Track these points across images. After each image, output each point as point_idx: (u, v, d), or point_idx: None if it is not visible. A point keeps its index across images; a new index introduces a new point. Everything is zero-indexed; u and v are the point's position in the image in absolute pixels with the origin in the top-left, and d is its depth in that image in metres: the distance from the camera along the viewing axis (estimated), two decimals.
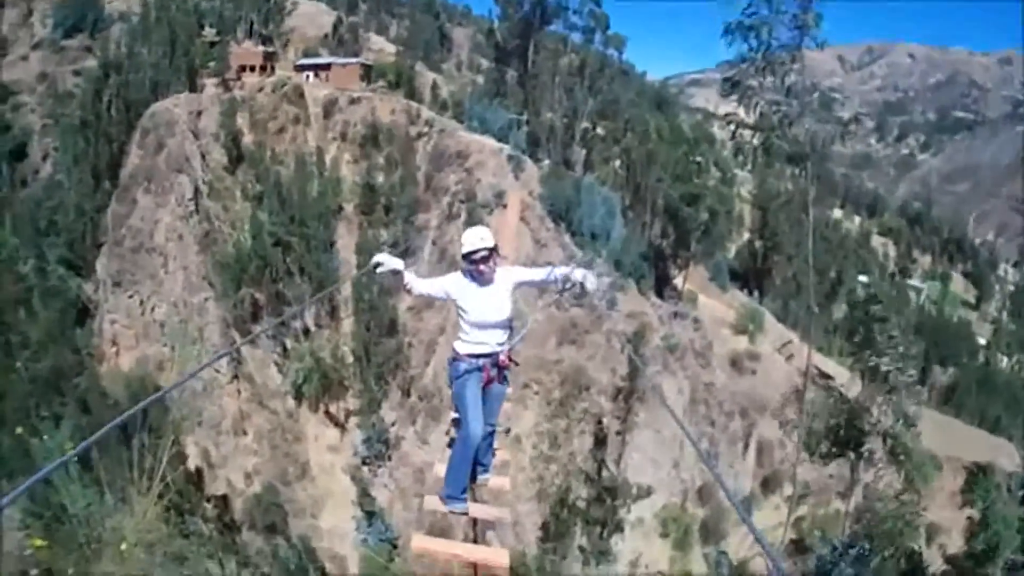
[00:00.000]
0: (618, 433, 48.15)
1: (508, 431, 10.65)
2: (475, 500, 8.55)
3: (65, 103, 78.70)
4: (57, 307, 54.89)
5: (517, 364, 8.36)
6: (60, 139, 72.66)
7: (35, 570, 7.41)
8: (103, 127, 65.18)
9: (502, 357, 8.03)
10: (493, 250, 7.90)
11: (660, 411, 49.42)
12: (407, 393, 54.03)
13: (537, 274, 8.25)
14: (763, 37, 38.78)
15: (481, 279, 7.93)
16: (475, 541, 8.90)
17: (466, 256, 7.85)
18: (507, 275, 8.10)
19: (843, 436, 52.46)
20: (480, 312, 7.91)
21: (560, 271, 7.99)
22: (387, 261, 8.22)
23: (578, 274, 7.85)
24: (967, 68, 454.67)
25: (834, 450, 51.85)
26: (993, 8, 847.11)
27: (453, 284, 8.08)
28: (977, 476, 54.15)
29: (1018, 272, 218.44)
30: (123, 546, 7.87)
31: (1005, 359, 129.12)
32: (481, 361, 8.00)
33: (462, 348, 8.06)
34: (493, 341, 8.01)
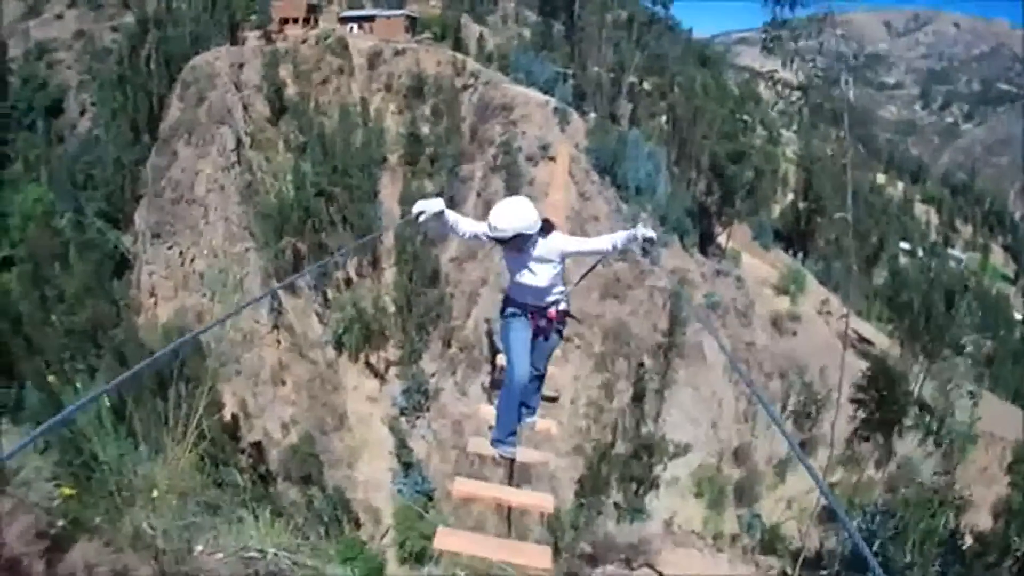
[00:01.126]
0: (657, 390, 47.99)
1: (555, 398, 10.55)
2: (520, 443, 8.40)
3: (102, 59, 79.04)
4: (94, 259, 55.05)
5: (575, 319, 8.16)
6: (97, 94, 73.07)
7: (63, 520, 7.31)
8: (142, 81, 65.50)
9: (551, 311, 7.79)
10: (523, 236, 7.25)
11: (700, 369, 49.34)
12: (448, 344, 54.06)
13: (592, 244, 7.75)
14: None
15: (516, 251, 7.50)
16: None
17: (515, 237, 7.22)
18: (555, 244, 7.53)
19: (881, 404, 52.33)
20: (517, 274, 7.65)
21: (621, 238, 7.48)
22: (428, 206, 7.46)
23: (641, 233, 7.32)
24: (1010, 41, 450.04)
25: (874, 416, 51.74)
26: None
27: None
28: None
29: None
30: (154, 493, 7.77)
31: None
32: (528, 309, 7.80)
33: (510, 293, 7.90)
34: (538, 301, 7.77)
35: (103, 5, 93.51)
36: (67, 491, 7.46)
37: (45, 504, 7.31)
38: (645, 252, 7.48)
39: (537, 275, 7.56)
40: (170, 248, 57.50)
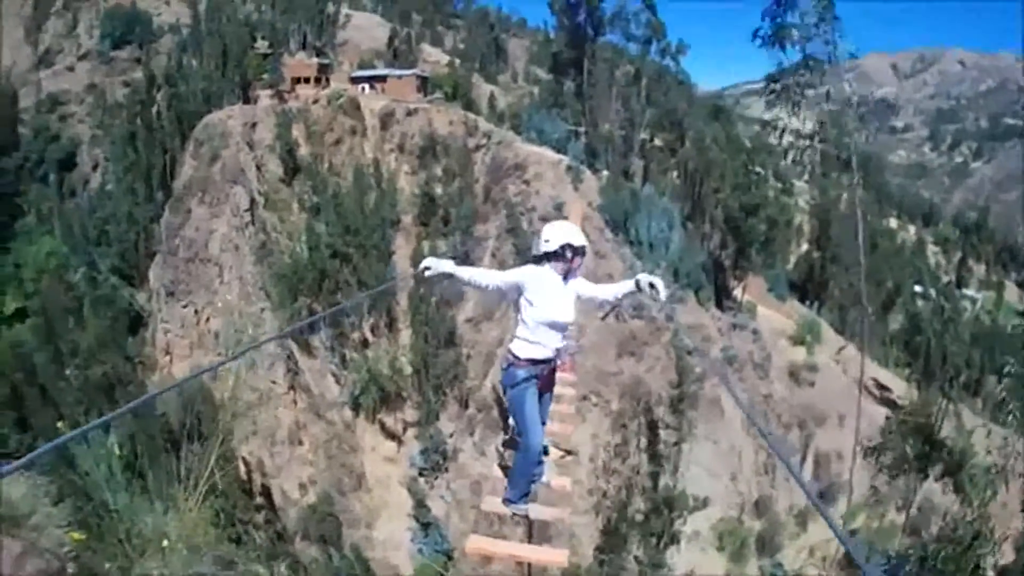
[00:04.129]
0: (676, 444, 47.98)
1: (572, 453, 10.55)
2: (534, 501, 8.41)
3: (114, 114, 79.54)
4: (108, 315, 55.61)
5: (573, 361, 8.27)
6: (110, 150, 73.65)
7: (73, 566, 7.37)
8: (154, 138, 65.93)
9: (558, 362, 7.89)
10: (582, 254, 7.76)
11: (719, 423, 49.37)
12: (465, 405, 54.08)
13: (602, 291, 8.07)
14: (792, 45, 38.47)
15: (566, 278, 7.76)
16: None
17: (563, 249, 7.63)
18: (576, 282, 7.90)
19: (905, 449, 52.19)
20: (552, 309, 7.66)
21: (624, 289, 7.88)
22: (435, 264, 7.82)
23: (644, 280, 7.67)
24: (1015, 75, 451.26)
25: (896, 463, 51.60)
26: None
27: (531, 275, 7.75)
28: None
29: None
30: (164, 544, 7.82)
31: None
32: (539, 367, 7.76)
33: (522, 352, 7.78)
34: (553, 344, 7.77)
35: (114, 59, 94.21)
36: (76, 537, 7.53)
37: (55, 550, 7.37)
38: (654, 297, 7.68)
39: (567, 308, 7.74)
40: (185, 306, 57.83)
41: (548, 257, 7.70)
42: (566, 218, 53.31)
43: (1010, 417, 58.65)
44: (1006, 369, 63.03)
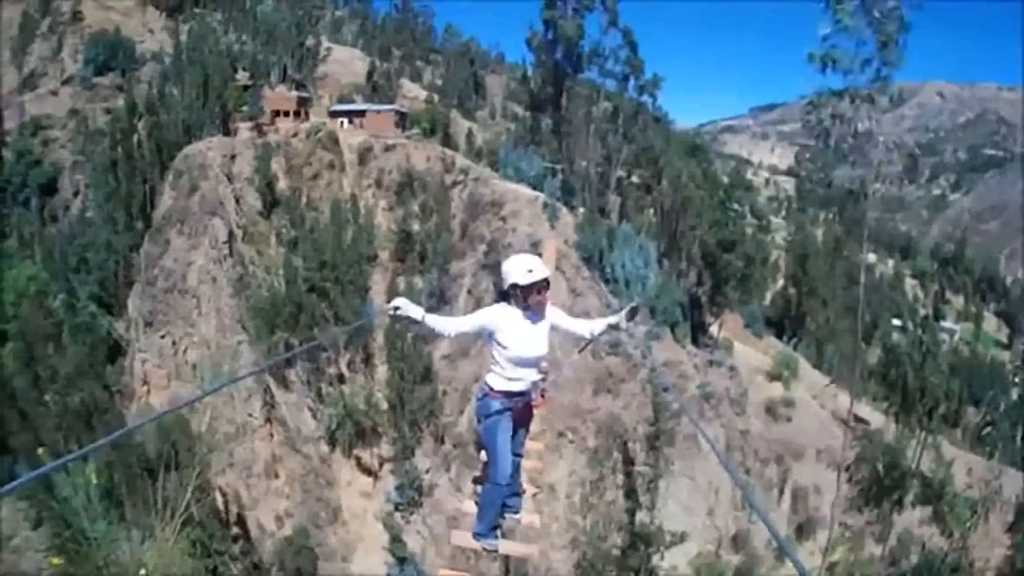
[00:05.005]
0: (652, 480, 48.05)
1: (535, 495, 10.62)
2: (504, 537, 8.50)
3: (96, 140, 79.56)
4: (87, 343, 55.63)
5: (544, 399, 8.30)
6: (91, 176, 73.75)
7: None
8: (134, 167, 66.03)
9: (534, 396, 8.00)
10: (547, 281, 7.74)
11: (695, 459, 49.42)
12: (441, 440, 54.13)
13: (577, 326, 8.11)
14: (847, 68, 38.52)
15: (532, 312, 7.76)
16: None
17: (526, 287, 7.64)
18: (551, 313, 7.93)
19: (882, 480, 52.49)
20: (523, 346, 7.69)
21: (598, 327, 7.95)
22: (405, 307, 7.96)
23: (614, 319, 7.93)
24: (995, 104, 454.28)
25: (873, 492, 51.93)
26: (1020, 39, 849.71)
27: (495, 316, 7.83)
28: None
29: None
30: (142, 572, 8.00)
31: None
32: (514, 400, 7.82)
33: (497, 384, 7.89)
34: (529, 379, 7.84)
35: (96, 85, 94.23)
36: (55, 562, 7.70)
37: (34, 574, 7.56)
38: (622, 328, 7.99)
39: (540, 343, 7.76)
40: (163, 337, 57.74)
41: (504, 295, 7.80)
42: (538, 253, 53.55)
43: (993, 449, 59.18)
44: (989, 395, 63.54)
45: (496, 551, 8.31)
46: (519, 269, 7.67)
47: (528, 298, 7.68)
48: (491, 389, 7.94)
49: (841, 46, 37.87)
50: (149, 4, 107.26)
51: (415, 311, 7.93)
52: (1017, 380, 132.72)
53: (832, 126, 40.35)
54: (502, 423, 7.82)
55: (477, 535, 8.20)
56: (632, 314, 8.07)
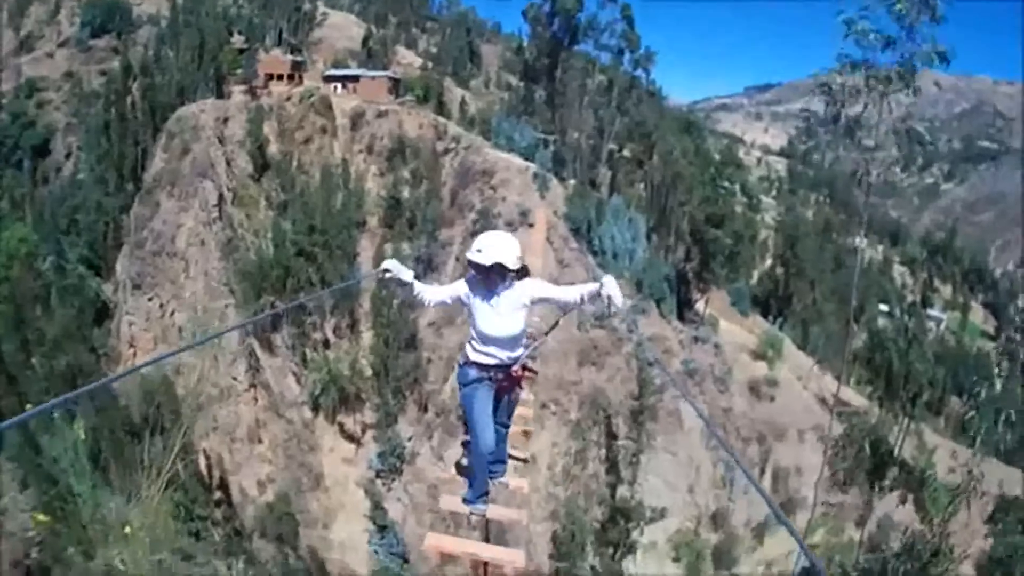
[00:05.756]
0: (634, 455, 48.04)
1: (527, 461, 10.53)
2: (493, 502, 8.41)
3: (90, 103, 79.39)
4: (75, 305, 55.45)
5: (535, 372, 8.12)
6: (84, 139, 73.53)
7: (37, 550, 7.39)
8: (127, 129, 65.72)
9: (514, 368, 7.66)
10: (510, 270, 7.32)
11: (677, 435, 49.44)
12: (424, 408, 54.10)
13: (561, 293, 7.66)
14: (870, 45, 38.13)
15: (496, 290, 7.47)
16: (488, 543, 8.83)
17: (474, 264, 7.36)
18: (526, 289, 7.53)
19: (866, 463, 52.60)
20: (485, 324, 7.50)
21: (587, 290, 7.40)
22: (396, 269, 7.56)
23: (606, 289, 7.20)
24: (992, 97, 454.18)
25: (856, 474, 52.09)
26: (1020, 35, 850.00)
27: (465, 289, 7.61)
28: (1011, 507, 54.16)
29: None
30: (127, 531, 7.82)
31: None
32: (491, 371, 7.64)
33: (471, 355, 7.70)
34: (502, 354, 7.60)
35: (92, 48, 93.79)
36: (41, 518, 7.53)
37: (21, 535, 7.38)
38: (610, 312, 7.75)
39: (506, 322, 7.51)
40: (150, 300, 57.57)
41: (472, 265, 7.48)
42: (529, 223, 53.47)
43: (976, 439, 59.29)
44: (975, 390, 63.70)
45: (484, 516, 8.16)
46: (475, 244, 7.39)
47: (482, 274, 7.44)
48: (467, 359, 7.77)
49: (872, 22, 37.53)
50: None
51: (406, 274, 7.65)
52: (1000, 371, 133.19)
53: (843, 100, 40.11)
54: (479, 392, 7.67)
55: (466, 501, 8.08)
56: (610, 312, 7.88)
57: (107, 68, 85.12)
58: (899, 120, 40.51)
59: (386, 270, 7.52)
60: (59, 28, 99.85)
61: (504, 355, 7.58)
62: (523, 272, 7.51)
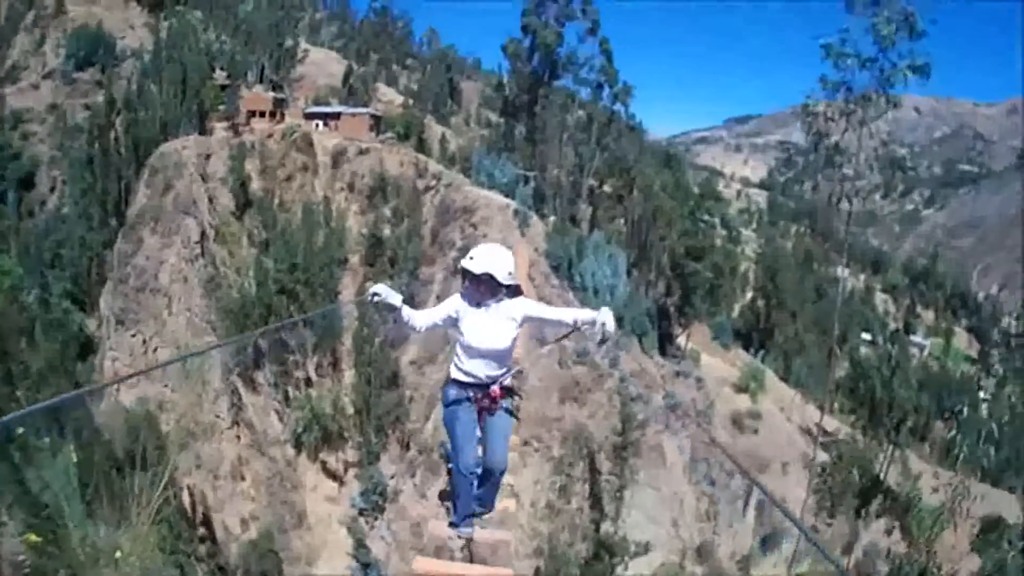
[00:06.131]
0: (618, 490, 48.12)
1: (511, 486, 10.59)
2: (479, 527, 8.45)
3: (74, 136, 79.36)
4: (59, 339, 55.31)
5: (520, 397, 8.10)
6: (68, 172, 73.64)
7: (25, 573, 7.47)
8: (111, 163, 65.99)
9: (494, 388, 7.73)
10: (503, 286, 7.52)
11: (660, 470, 49.49)
12: (406, 447, 54.06)
13: (554, 313, 7.89)
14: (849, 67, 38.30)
15: (487, 303, 7.61)
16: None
17: (465, 271, 7.61)
18: (518, 306, 7.72)
19: (851, 490, 52.81)
20: (475, 335, 7.64)
21: (582, 315, 7.57)
22: (385, 293, 7.73)
23: (602, 317, 7.38)
24: (972, 120, 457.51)
25: (842, 502, 52.28)
26: (999, 57, 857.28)
27: (456, 303, 7.80)
28: (996, 527, 54.40)
29: (1021, 324, 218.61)
30: (117, 554, 7.92)
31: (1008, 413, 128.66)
32: (470, 391, 7.76)
33: (453, 373, 7.90)
34: (484, 372, 7.73)
35: (77, 80, 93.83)
36: (32, 538, 7.59)
37: (11, 559, 7.45)
38: (602, 341, 7.56)
39: (495, 336, 7.61)
40: (133, 336, 57.49)
41: (463, 273, 7.70)
42: (510, 245, 53.57)
43: (959, 459, 59.58)
44: (957, 409, 64.01)
45: (471, 539, 8.24)
46: (471, 253, 7.62)
47: (473, 286, 7.63)
48: (450, 378, 7.95)
49: (849, 46, 37.84)
50: (131, 0, 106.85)
51: (395, 297, 7.78)
52: (983, 390, 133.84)
53: (824, 126, 40.37)
54: (460, 412, 7.78)
55: (452, 524, 8.21)
56: (602, 340, 7.89)
57: (91, 102, 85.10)
58: (879, 146, 40.63)
59: (375, 294, 7.65)
60: (44, 59, 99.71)
61: (486, 372, 7.69)
62: (515, 291, 7.67)
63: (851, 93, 38.32)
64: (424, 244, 63.07)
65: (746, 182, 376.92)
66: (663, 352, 62.64)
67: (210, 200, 63.35)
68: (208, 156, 65.94)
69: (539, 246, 58.28)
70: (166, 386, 54.11)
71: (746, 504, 55.66)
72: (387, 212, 66.51)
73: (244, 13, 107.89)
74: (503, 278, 7.44)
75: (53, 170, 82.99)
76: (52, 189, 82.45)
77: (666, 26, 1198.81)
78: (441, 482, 43.14)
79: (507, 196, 64.03)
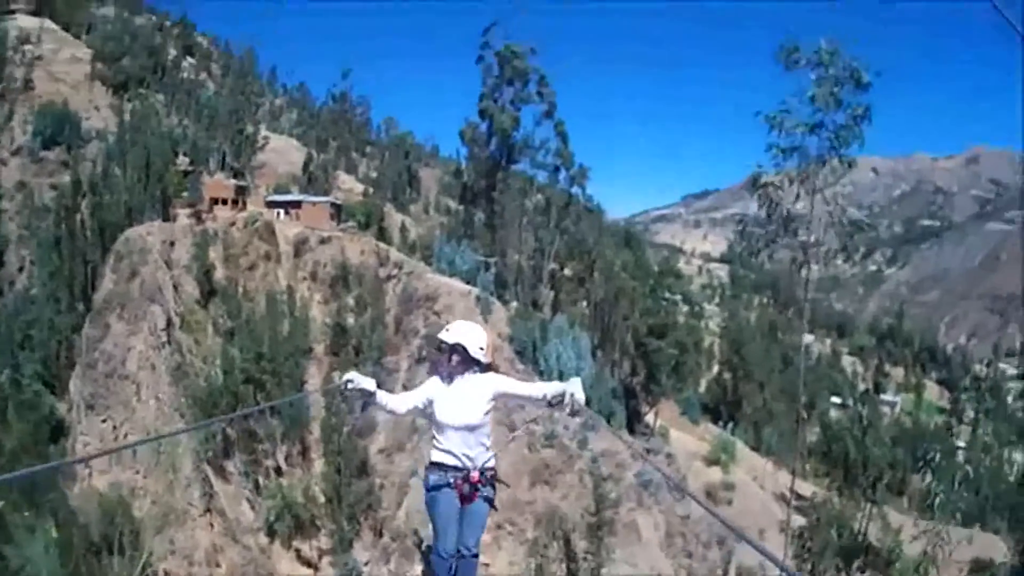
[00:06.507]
0: (594, 570, 48.03)
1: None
2: None
3: (42, 216, 79.27)
4: (31, 421, 55.63)
5: (504, 484, 8.04)
6: (36, 253, 73.57)
7: None
8: (77, 247, 66.09)
9: (473, 473, 7.57)
10: (474, 360, 7.49)
11: (636, 547, 49.44)
12: (379, 533, 54.00)
13: (526, 389, 7.78)
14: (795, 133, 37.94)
15: (450, 376, 7.58)
16: None
17: (442, 342, 7.53)
18: (490, 381, 7.64)
19: (827, 551, 52.86)
20: (447, 411, 7.54)
21: (551, 389, 7.45)
22: (358, 379, 7.56)
23: (571, 388, 7.22)
24: (931, 175, 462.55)
25: (823, 562, 52.31)
26: (957, 109, 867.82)
27: (433, 384, 7.68)
28: (986, 569, 54.62)
29: (991, 371, 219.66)
30: None
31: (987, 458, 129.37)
32: (450, 476, 7.61)
33: (433, 456, 7.74)
34: (460, 450, 7.60)
35: (44, 159, 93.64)
36: None
37: None
38: (573, 412, 7.40)
39: (467, 410, 7.52)
40: (104, 421, 57.45)
41: (438, 347, 7.68)
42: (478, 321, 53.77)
43: (936, 506, 59.69)
44: (930, 455, 64.14)
45: None
46: (447, 326, 7.68)
47: (446, 357, 7.58)
48: (430, 462, 7.78)
49: (795, 112, 37.53)
50: (96, 79, 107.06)
51: (368, 383, 7.62)
52: (956, 435, 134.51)
53: (777, 196, 40.14)
54: (441, 496, 7.61)
55: None
56: (573, 412, 7.89)
57: (57, 181, 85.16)
58: (834, 209, 40.55)
59: (348, 380, 7.53)
60: (12, 135, 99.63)
61: (463, 451, 7.59)
62: (487, 368, 7.63)
63: (804, 158, 38.06)
64: (388, 332, 63.42)
65: (707, 257, 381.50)
66: (631, 431, 62.84)
67: (175, 287, 63.42)
68: (172, 243, 66.06)
69: (502, 331, 58.55)
70: (138, 472, 54.07)
71: (725, 574, 55.66)
72: (350, 301, 66.86)
73: (205, 98, 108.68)
74: (474, 351, 7.49)
75: (22, 249, 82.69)
76: (20, 269, 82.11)
77: (621, 103, 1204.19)
78: (417, 569, 43.04)
79: (468, 283, 64.77)
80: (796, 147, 37.59)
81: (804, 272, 42.49)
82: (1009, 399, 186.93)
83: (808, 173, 38.25)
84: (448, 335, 7.48)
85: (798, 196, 38.94)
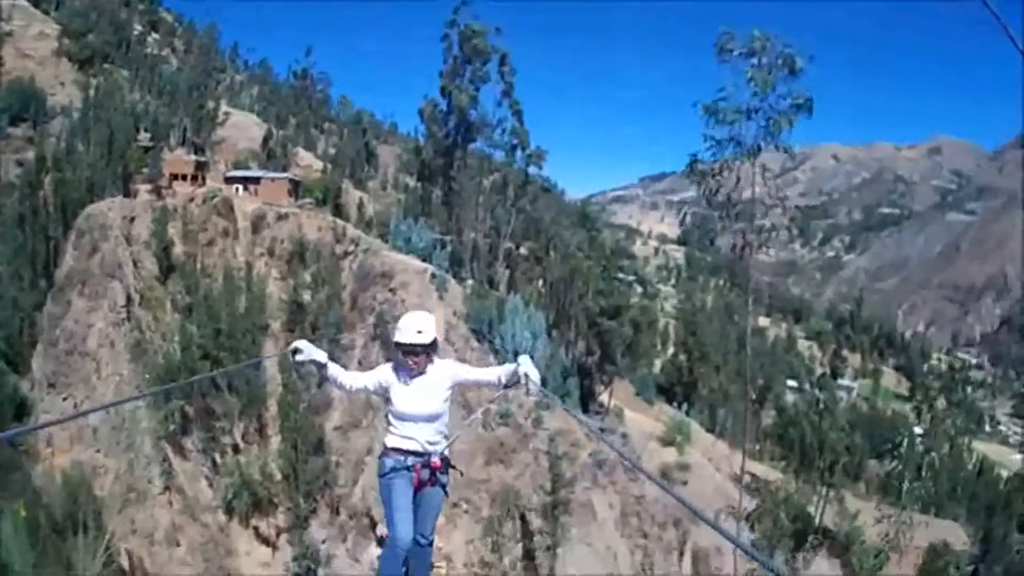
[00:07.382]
0: (549, 548, 48.24)
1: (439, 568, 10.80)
2: None
3: (7, 194, 78.60)
4: None
5: (457, 471, 8.18)
6: (0, 231, 72.92)
7: None
8: (40, 223, 65.50)
9: (434, 459, 7.66)
10: (430, 346, 7.60)
11: (591, 526, 49.68)
12: (336, 511, 54.16)
13: (481, 374, 8.08)
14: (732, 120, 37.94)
15: (410, 372, 7.66)
16: None
17: (399, 345, 7.58)
18: (446, 370, 7.82)
19: (781, 532, 53.41)
20: (406, 402, 7.63)
21: (504, 371, 7.78)
22: (308, 350, 7.63)
23: (523, 368, 7.57)
24: (893, 163, 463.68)
25: (776, 543, 52.82)
26: (920, 97, 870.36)
27: (386, 372, 7.81)
28: (943, 555, 55.22)
29: (951, 359, 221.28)
30: None
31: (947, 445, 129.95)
32: (409, 460, 7.65)
33: (390, 442, 7.77)
34: (422, 438, 7.66)
35: (10, 136, 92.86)
36: None
37: None
38: (529, 391, 7.68)
39: (424, 399, 7.63)
40: (65, 399, 57.13)
41: (397, 347, 7.71)
42: (429, 310, 53.86)
43: (904, 491, 60.30)
44: (897, 441, 64.76)
45: None
46: (400, 327, 7.62)
47: (406, 358, 7.64)
48: (385, 447, 7.85)
49: (733, 99, 37.64)
50: (63, 55, 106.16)
51: (319, 355, 7.71)
52: (919, 429, 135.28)
53: (715, 184, 40.20)
54: (396, 482, 7.65)
55: None
56: (529, 385, 8.01)
57: (23, 158, 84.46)
58: (775, 195, 40.77)
59: (296, 349, 7.60)
60: None
61: (425, 439, 7.65)
62: (434, 346, 7.68)
63: (740, 147, 38.16)
64: (344, 309, 63.50)
65: (663, 239, 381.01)
66: (585, 410, 63.12)
67: (135, 264, 63.04)
68: (132, 219, 65.56)
69: (458, 309, 58.69)
70: (99, 451, 53.95)
71: (681, 554, 55.92)
72: (307, 277, 66.78)
73: (167, 73, 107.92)
74: (420, 339, 7.51)
75: None
76: None
77: (579, 85, 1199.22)
78: (373, 547, 43.35)
79: (425, 260, 64.88)
80: (731, 138, 37.71)
81: (746, 256, 42.67)
82: (968, 389, 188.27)
83: (745, 159, 38.36)
84: (401, 335, 7.56)
85: (738, 181, 39.04)
